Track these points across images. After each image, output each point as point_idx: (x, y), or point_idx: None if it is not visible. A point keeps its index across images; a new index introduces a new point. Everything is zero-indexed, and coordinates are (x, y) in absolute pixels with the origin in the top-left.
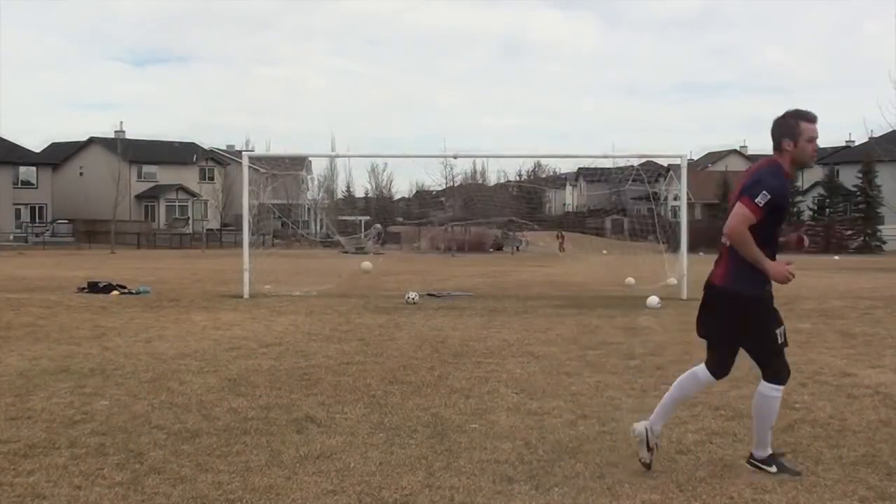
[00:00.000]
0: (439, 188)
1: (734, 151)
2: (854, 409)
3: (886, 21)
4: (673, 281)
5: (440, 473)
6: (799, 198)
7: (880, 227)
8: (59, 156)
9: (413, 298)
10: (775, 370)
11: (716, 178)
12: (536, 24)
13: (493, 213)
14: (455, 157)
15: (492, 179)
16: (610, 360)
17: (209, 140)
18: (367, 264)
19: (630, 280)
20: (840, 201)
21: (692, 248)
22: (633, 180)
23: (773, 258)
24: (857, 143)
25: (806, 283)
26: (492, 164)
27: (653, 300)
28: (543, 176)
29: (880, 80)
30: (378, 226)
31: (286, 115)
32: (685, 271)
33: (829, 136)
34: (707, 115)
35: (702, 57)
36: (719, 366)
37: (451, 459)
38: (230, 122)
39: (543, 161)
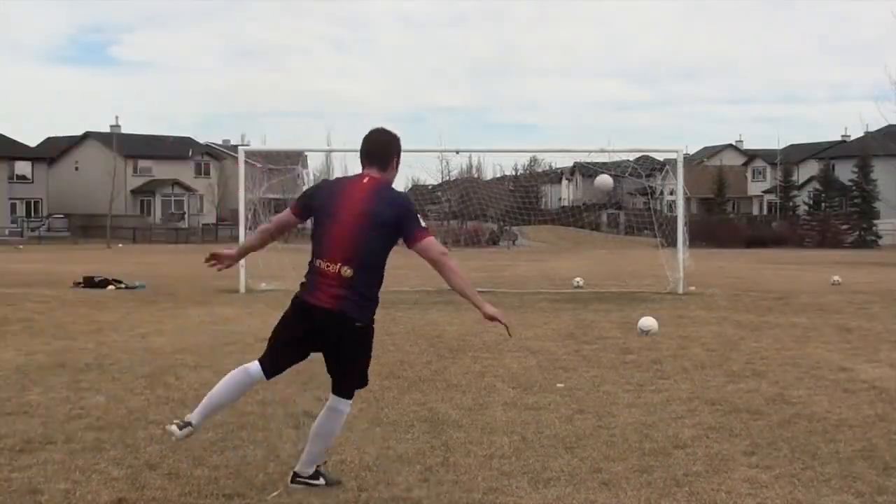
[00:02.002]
0: (435, 183)
1: (730, 146)
2: (851, 404)
3: (883, 14)
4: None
5: (437, 469)
6: (795, 193)
7: (876, 221)
8: (55, 150)
9: None
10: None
11: (712, 173)
12: (532, 21)
13: (490, 209)
14: (457, 152)
15: (488, 174)
16: (606, 355)
17: (205, 135)
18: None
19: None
20: (836, 196)
21: (689, 243)
22: (630, 175)
23: None
24: (852, 138)
25: (802, 278)
26: (488, 159)
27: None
28: (539, 171)
29: (876, 74)
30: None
31: (282, 111)
32: (682, 266)
33: (824, 130)
34: (704, 111)
35: (697, 52)
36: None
37: (448, 455)
38: (226, 118)
39: (539, 156)
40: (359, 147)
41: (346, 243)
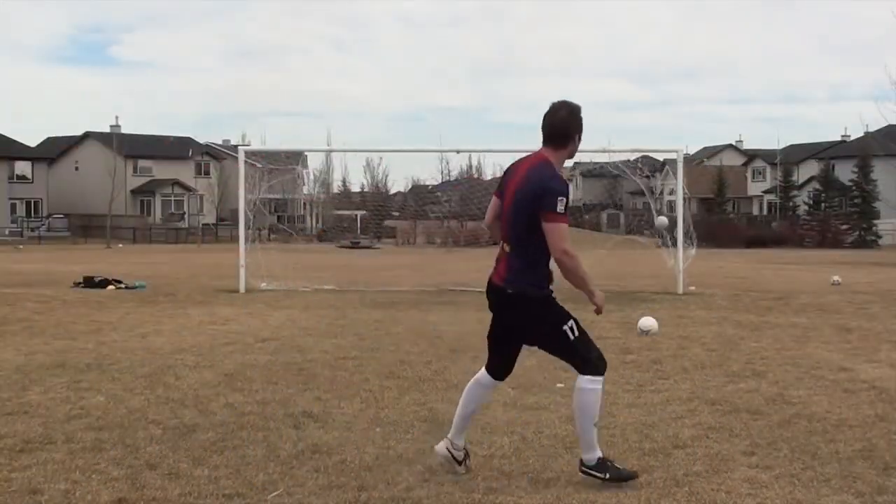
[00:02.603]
0: (435, 183)
1: (730, 146)
2: (851, 404)
3: (884, 14)
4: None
5: (437, 469)
6: (795, 193)
7: (876, 221)
8: (55, 150)
9: None
10: (584, 361)
11: (712, 173)
12: (532, 21)
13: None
14: (458, 152)
15: (488, 174)
16: (606, 355)
17: (205, 135)
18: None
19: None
20: (836, 196)
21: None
22: (639, 177)
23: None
24: (852, 138)
25: (802, 278)
26: (488, 159)
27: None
28: None
29: (876, 74)
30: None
31: (282, 111)
32: (681, 266)
33: (824, 130)
34: (704, 111)
35: (697, 52)
36: (504, 367)
37: None
38: (226, 118)
39: None
40: (366, 147)
41: (506, 221)
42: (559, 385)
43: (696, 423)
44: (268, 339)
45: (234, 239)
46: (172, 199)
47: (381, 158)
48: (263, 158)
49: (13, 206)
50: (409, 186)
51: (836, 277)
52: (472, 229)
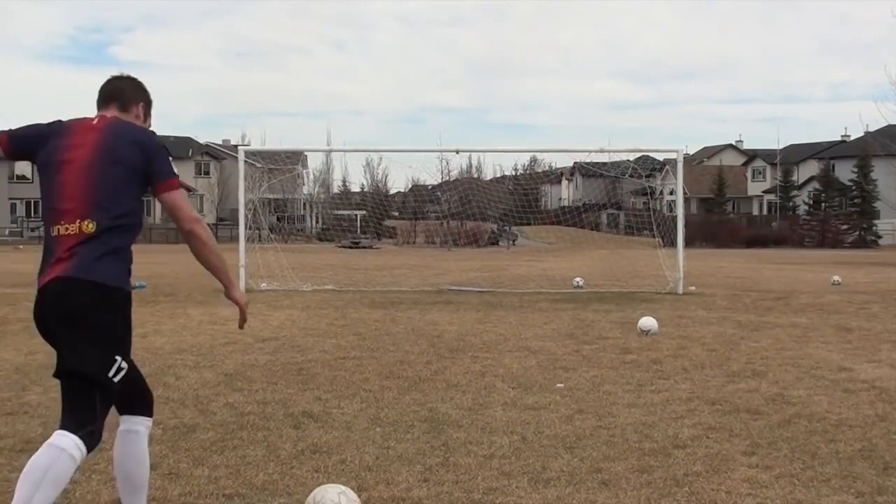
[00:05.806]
0: (435, 183)
1: (730, 146)
2: (851, 404)
3: (884, 14)
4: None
5: (437, 469)
6: (794, 192)
7: (876, 221)
8: None
9: None
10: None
11: (711, 173)
12: (529, 22)
13: (490, 209)
14: (457, 152)
15: (488, 174)
16: (606, 355)
17: (205, 135)
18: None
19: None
20: (836, 196)
21: (688, 243)
22: (629, 175)
23: None
24: (852, 138)
25: (802, 278)
26: (488, 159)
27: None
28: (539, 171)
29: (876, 74)
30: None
31: (282, 111)
32: (682, 266)
33: (824, 130)
34: (704, 111)
35: (697, 52)
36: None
37: (448, 455)
38: (226, 118)
39: (539, 156)
40: (366, 147)
41: None
42: (559, 385)
43: (696, 423)
44: (268, 338)
45: (234, 239)
46: None
47: (380, 158)
48: (263, 158)
49: (13, 206)
50: (409, 186)
51: (836, 277)
52: (471, 229)
